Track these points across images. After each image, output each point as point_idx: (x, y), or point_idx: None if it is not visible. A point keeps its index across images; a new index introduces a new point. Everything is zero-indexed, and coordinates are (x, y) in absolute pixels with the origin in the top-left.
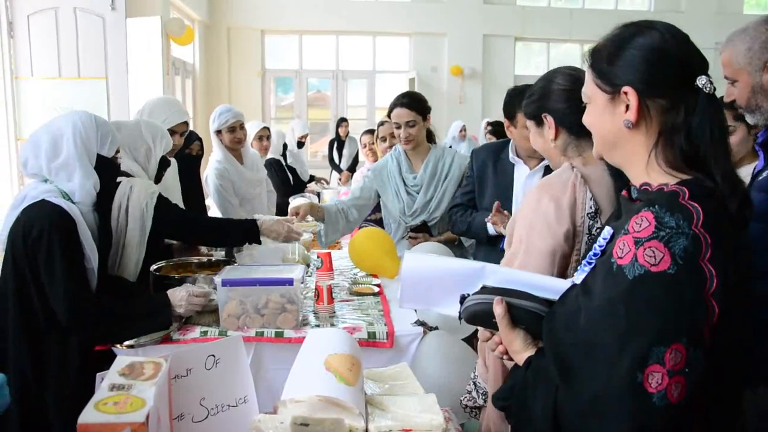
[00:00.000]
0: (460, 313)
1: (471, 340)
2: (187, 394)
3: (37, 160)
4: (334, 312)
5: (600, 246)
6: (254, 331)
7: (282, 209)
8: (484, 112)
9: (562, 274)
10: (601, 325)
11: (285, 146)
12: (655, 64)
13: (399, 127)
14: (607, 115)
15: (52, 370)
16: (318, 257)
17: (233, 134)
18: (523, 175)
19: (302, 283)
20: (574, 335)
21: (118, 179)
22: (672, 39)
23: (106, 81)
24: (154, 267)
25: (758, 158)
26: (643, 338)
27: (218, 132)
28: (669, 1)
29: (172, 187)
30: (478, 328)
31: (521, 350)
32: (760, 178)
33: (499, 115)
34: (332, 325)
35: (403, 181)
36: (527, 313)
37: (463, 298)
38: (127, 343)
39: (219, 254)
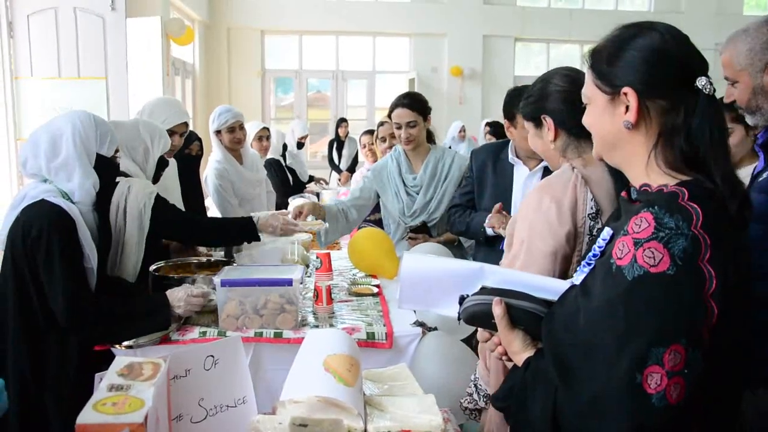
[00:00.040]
0: (459, 313)
1: (470, 341)
2: (185, 394)
3: (37, 160)
4: (333, 312)
5: (599, 247)
6: (253, 332)
7: (281, 209)
8: (483, 112)
9: (564, 274)
10: (600, 325)
11: (285, 147)
12: (655, 65)
13: (400, 128)
14: (607, 116)
15: (51, 370)
16: (317, 258)
17: (233, 134)
18: (522, 175)
19: (301, 283)
20: (573, 336)
21: (117, 179)
22: (672, 40)
23: (106, 81)
24: (153, 267)
25: (757, 159)
26: (642, 339)
27: (218, 132)
28: (669, 1)
29: (171, 187)
30: (477, 328)
31: (520, 351)
32: (760, 179)
33: (498, 116)
34: (331, 325)
35: (403, 182)
36: (526, 314)
37: (462, 299)
38: (125, 343)
39: (218, 254)
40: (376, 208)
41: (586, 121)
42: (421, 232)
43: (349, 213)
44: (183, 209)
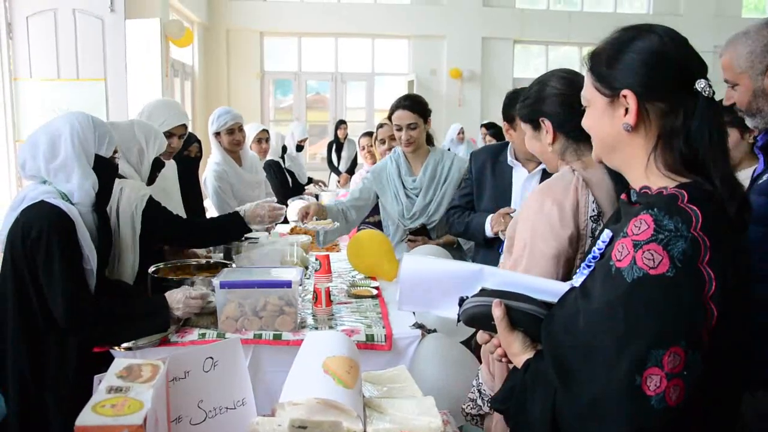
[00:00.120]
0: (458, 315)
1: (469, 343)
2: (185, 396)
3: (36, 162)
4: (333, 314)
5: (599, 249)
6: (252, 334)
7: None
8: (482, 114)
9: (567, 277)
10: (599, 327)
11: (284, 148)
12: (654, 68)
13: (400, 130)
14: (607, 118)
15: (50, 371)
16: (316, 260)
17: (232, 136)
18: (521, 177)
19: (300, 285)
20: (572, 338)
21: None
22: (671, 42)
23: (105, 83)
24: (152, 269)
25: (757, 161)
26: (641, 341)
27: (217, 134)
28: (667, 4)
29: (171, 189)
30: (477, 330)
31: (520, 353)
32: (760, 181)
33: (497, 118)
34: (330, 327)
35: (403, 184)
36: (526, 316)
37: (461, 301)
38: (124, 345)
39: (217, 256)
40: (376, 210)
41: (586, 123)
42: (420, 234)
43: (349, 213)
44: (183, 211)
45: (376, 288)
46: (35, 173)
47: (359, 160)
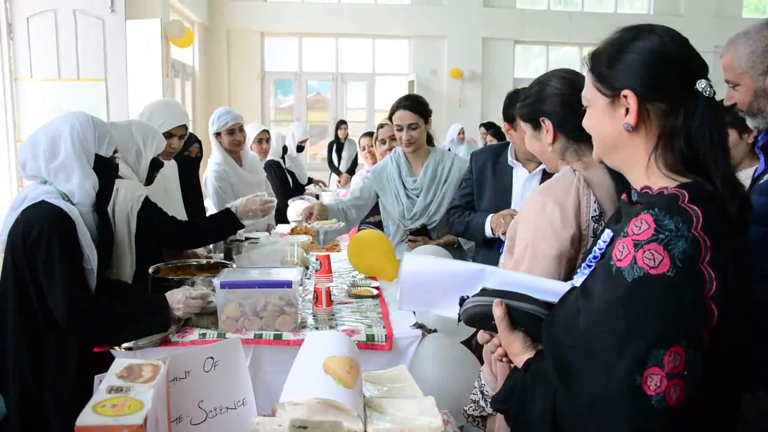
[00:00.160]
0: (459, 315)
1: (470, 343)
2: (185, 396)
3: (36, 162)
4: (333, 314)
5: (599, 249)
6: (253, 334)
7: (281, 211)
8: (483, 115)
9: (569, 277)
10: (600, 327)
11: (285, 149)
12: (654, 68)
13: (401, 130)
14: (607, 118)
15: (51, 371)
16: (317, 260)
17: (232, 137)
18: (521, 177)
19: (301, 285)
20: (573, 338)
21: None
22: (672, 42)
23: (106, 83)
24: (152, 269)
25: (757, 161)
26: (641, 341)
27: (217, 134)
28: (668, 4)
29: (172, 189)
30: (478, 330)
31: (520, 352)
32: (761, 181)
33: (497, 118)
34: (331, 327)
35: (403, 185)
36: (526, 316)
37: (462, 300)
38: (125, 345)
39: (218, 256)
40: (376, 210)
41: (587, 123)
42: (420, 234)
43: (349, 212)
44: (184, 211)
45: (377, 288)
46: (36, 173)
47: (360, 160)
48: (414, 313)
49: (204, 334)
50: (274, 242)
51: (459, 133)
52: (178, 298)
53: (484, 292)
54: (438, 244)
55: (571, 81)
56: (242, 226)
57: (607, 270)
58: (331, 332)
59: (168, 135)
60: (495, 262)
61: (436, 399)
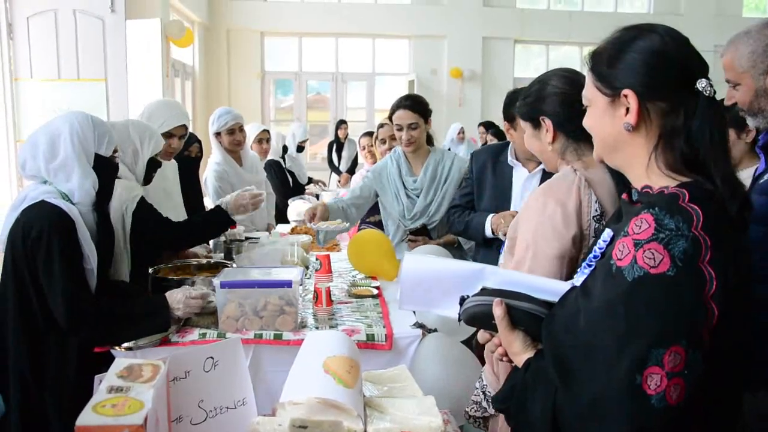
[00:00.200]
0: (459, 314)
1: (470, 343)
2: (185, 396)
3: (36, 162)
4: (333, 314)
5: (600, 248)
6: (253, 333)
7: (281, 211)
8: (483, 114)
9: (570, 278)
10: (600, 326)
11: (285, 148)
12: (655, 68)
13: (401, 129)
14: (608, 118)
15: (51, 371)
16: (317, 259)
17: (232, 136)
18: (521, 177)
19: (301, 285)
20: (573, 337)
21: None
22: (672, 42)
23: (106, 83)
24: (152, 269)
25: (757, 161)
26: (642, 340)
27: (217, 134)
28: (668, 3)
29: (172, 189)
30: (478, 330)
31: (520, 352)
32: (761, 181)
33: (497, 118)
34: (331, 327)
35: (403, 185)
36: (527, 315)
37: (462, 300)
38: (125, 345)
39: (218, 256)
40: (376, 210)
41: (587, 123)
42: (420, 234)
43: (349, 211)
44: (184, 211)
45: (377, 288)
46: (35, 173)
47: (360, 159)
48: (414, 312)
49: (204, 334)
50: (274, 242)
51: (459, 133)
52: (178, 298)
53: (485, 291)
54: (438, 244)
55: (571, 80)
56: (234, 223)
57: (608, 269)
58: (331, 332)
59: (168, 135)
60: (495, 261)
61: (436, 399)
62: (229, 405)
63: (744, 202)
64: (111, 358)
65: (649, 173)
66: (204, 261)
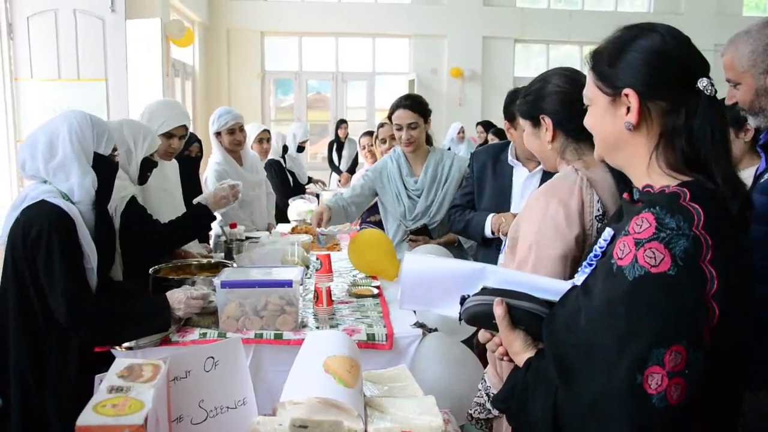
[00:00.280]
0: (460, 314)
1: (471, 342)
2: (185, 396)
3: (35, 162)
4: (333, 314)
5: (600, 247)
6: (253, 333)
7: (281, 210)
8: (483, 114)
9: (571, 277)
10: (600, 326)
11: (285, 148)
12: (656, 67)
13: (400, 129)
14: (608, 117)
15: (51, 371)
16: (317, 259)
17: (233, 136)
18: (521, 177)
19: (301, 284)
20: (574, 336)
21: None
22: (673, 41)
23: (106, 83)
24: (152, 269)
25: (757, 160)
26: (642, 339)
27: (218, 134)
28: (668, 2)
29: (173, 189)
30: (478, 330)
31: (521, 351)
32: (762, 180)
33: (497, 117)
34: (331, 326)
35: (404, 185)
36: (527, 314)
37: (463, 299)
38: (125, 345)
39: (218, 256)
40: (376, 209)
41: (588, 122)
42: (421, 234)
43: (349, 209)
44: (185, 211)
45: (377, 287)
46: (35, 173)
47: (360, 159)
48: (414, 312)
49: (204, 334)
50: (275, 241)
51: (459, 132)
52: (178, 298)
53: (485, 291)
54: (438, 243)
55: (572, 79)
56: (214, 218)
57: (608, 268)
58: (332, 331)
59: (168, 135)
60: (495, 261)
61: (436, 398)
62: (229, 405)
63: (745, 202)
64: (111, 358)
65: (650, 172)
66: (204, 261)
